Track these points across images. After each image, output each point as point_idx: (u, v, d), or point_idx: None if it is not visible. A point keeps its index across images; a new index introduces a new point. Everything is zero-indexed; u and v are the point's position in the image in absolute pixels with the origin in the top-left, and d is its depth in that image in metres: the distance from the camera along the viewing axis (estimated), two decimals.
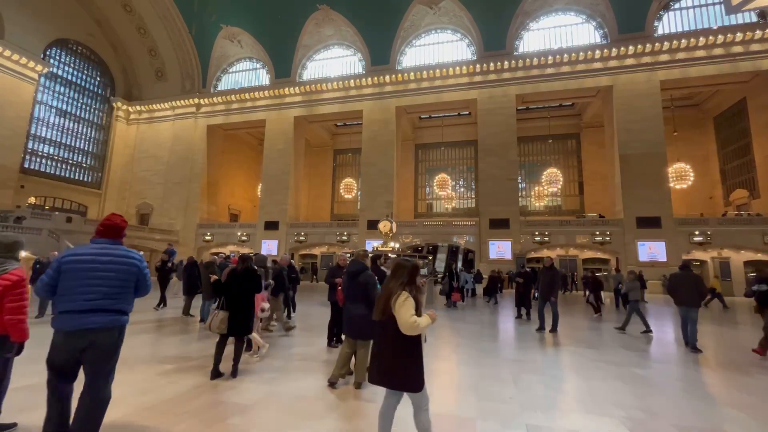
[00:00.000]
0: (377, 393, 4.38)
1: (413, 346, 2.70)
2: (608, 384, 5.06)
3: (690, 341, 7.38)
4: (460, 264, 26.08)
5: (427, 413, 2.72)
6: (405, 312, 2.64)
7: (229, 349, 5.02)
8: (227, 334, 4.93)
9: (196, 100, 37.40)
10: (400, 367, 2.68)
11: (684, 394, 4.78)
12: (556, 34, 30.94)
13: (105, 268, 2.83)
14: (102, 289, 2.79)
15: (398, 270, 2.88)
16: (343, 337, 5.87)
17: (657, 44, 27.16)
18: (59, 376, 2.75)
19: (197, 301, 10.01)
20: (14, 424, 3.29)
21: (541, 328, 9.10)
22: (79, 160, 37.38)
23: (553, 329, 8.92)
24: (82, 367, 2.78)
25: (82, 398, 2.73)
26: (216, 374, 4.80)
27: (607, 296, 16.19)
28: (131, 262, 2.94)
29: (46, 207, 33.00)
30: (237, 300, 4.96)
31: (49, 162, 34.99)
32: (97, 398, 2.75)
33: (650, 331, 9.27)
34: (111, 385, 2.85)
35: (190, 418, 3.55)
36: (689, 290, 7.48)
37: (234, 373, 4.86)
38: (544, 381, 5.14)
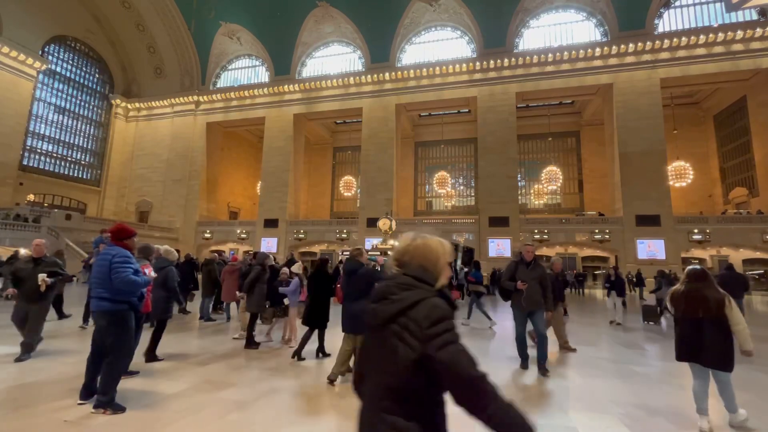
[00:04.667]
0: None
1: (732, 337, 3.57)
2: (607, 381, 5.07)
3: None
4: (459, 262, 26.01)
5: (731, 385, 3.64)
6: (738, 312, 3.55)
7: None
8: (309, 326, 5.74)
9: (195, 98, 37.23)
10: (728, 352, 3.55)
11: (682, 391, 4.78)
12: (556, 31, 30.82)
13: (97, 265, 3.83)
14: (96, 280, 3.78)
15: (708, 278, 3.69)
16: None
17: (657, 42, 27.06)
18: (92, 347, 3.81)
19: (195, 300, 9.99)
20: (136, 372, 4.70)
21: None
22: (78, 157, 37.27)
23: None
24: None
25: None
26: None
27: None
28: (106, 258, 3.80)
29: (45, 204, 32.89)
30: (315, 297, 5.70)
31: (47, 159, 34.86)
32: (109, 363, 3.66)
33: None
34: (123, 359, 3.85)
35: (189, 415, 3.55)
36: (735, 286, 8.62)
37: (318, 354, 5.79)
38: (543, 378, 5.15)
